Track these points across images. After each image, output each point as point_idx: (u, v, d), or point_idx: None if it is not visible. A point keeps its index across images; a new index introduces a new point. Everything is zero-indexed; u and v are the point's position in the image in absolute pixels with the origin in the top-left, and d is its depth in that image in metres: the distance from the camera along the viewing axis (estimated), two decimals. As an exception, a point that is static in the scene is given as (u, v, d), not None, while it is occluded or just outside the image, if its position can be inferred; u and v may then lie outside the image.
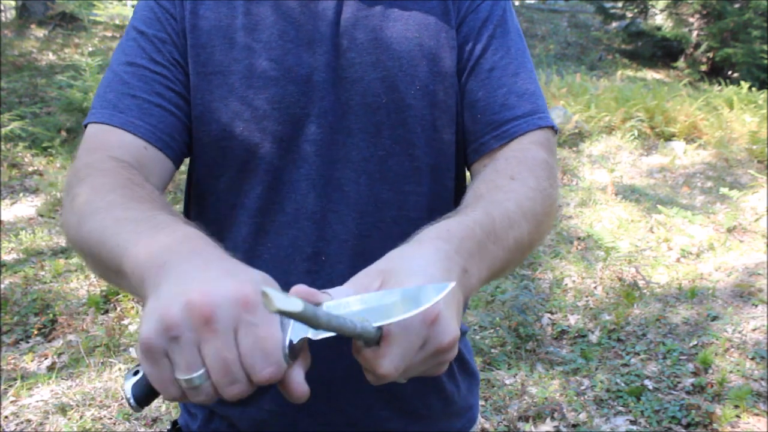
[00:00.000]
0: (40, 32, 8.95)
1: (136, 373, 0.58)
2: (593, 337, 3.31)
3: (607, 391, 2.87)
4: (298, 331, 0.54)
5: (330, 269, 0.87)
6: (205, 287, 0.52)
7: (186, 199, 1.00)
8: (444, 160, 0.92)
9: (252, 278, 0.56)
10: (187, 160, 0.98)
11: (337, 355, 0.87)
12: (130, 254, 0.62)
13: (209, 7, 0.89)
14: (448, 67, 0.90)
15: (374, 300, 0.56)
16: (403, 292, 0.56)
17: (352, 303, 0.57)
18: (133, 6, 9.51)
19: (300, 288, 0.57)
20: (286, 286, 0.86)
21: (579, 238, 4.42)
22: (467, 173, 1.00)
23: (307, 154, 0.87)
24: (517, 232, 0.75)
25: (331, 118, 0.87)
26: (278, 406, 0.91)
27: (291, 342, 0.53)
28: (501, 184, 0.80)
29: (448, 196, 0.95)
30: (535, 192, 0.80)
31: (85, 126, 0.87)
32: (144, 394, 0.58)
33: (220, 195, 0.91)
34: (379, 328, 0.56)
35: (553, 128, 0.92)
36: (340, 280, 0.86)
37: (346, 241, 0.88)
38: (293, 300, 0.46)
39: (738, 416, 2.65)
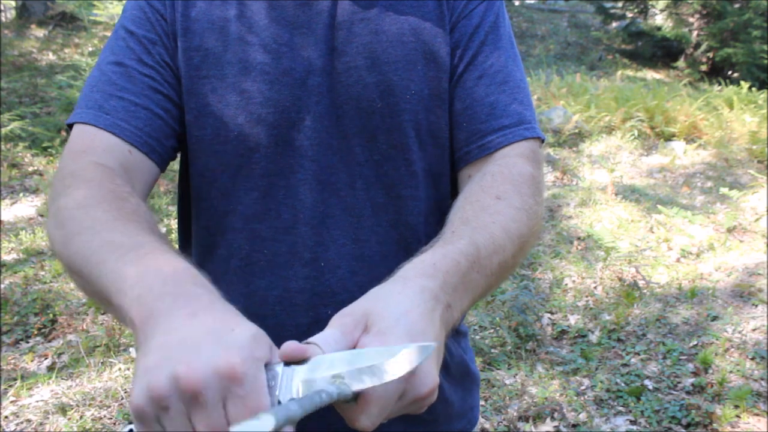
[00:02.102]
0: (40, 32, 8.94)
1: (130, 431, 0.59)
2: (593, 337, 3.31)
3: (607, 391, 2.87)
4: (285, 395, 0.53)
5: (329, 274, 0.86)
6: (191, 358, 0.52)
7: (179, 205, 0.99)
8: (440, 165, 0.92)
9: (240, 343, 0.54)
10: (177, 165, 0.97)
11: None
12: (118, 288, 0.61)
13: (201, 10, 0.88)
14: (444, 72, 0.89)
15: (358, 359, 0.56)
16: (386, 353, 0.56)
17: (337, 362, 0.56)
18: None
19: (289, 346, 0.56)
20: (285, 293, 0.86)
21: (579, 238, 4.42)
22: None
23: (303, 160, 0.86)
24: (502, 256, 0.75)
25: (326, 122, 0.86)
26: None
27: (279, 402, 0.53)
28: (487, 205, 0.79)
29: (443, 201, 0.94)
30: (521, 212, 0.80)
31: (70, 126, 0.85)
32: None
33: (214, 201, 0.90)
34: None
35: (540, 138, 0.91)
36: (339, 285, 0.86)
37: (344, 246, 0.87)
38: (263, 420, 0.46)
39: (738, 416, 2.65)
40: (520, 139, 0.87)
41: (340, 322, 0.61)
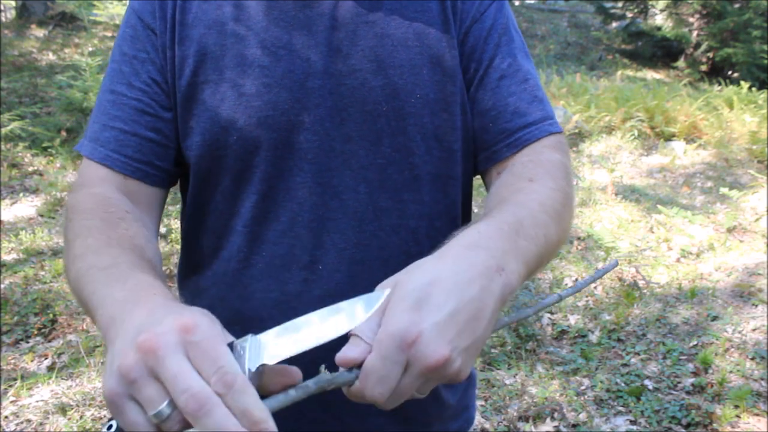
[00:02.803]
0: (40, 32, 8.95)
1: (109, 427, 0.59)
2: (593, 337, 3.31)
3: (607, 391, 2.87)
4: (254, 363, 0.55)
5: (327, 278, 0.86)
6: (148, 327, 0.55)
7: (183, 208, 0.99)
8: (446, 169, 0.92)
9: (192, 311, 0.58)
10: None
11: (333, 365, 0.87)
12: (94, 307, 0.67)
13: (197, 15, 0.88)
14: (449, 75, 0.89)
15: (316, 319, 0.59)
16: (338, 308, 0.60)
17: (302, 325, 0.59)
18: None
19: (342, 357, 0.60)
20: (282, 296, 0.87)
21: (579, 238, 4.42)
22: (473, 180, 1.00)
23: (302, 162, 0.86)
24: (545, 229, 0.75)
25: (327, 125, 0.86)
26: (277, 416, 0.91)
27: (249, 371, 0.54)
28: (522, 187, 0.81)
29: (452, 205, 0.94)
30: (555, 191, 0.82)
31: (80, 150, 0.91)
32: None
33: (217, 205, 0.90)
34: (352, 369, 0.59)
35: (561, 132, 0.94)
36: (337, 289, 0.86)
37: (345, 250, 0.87)
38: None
39: (738, 416, 2.65)
40: (546, 135, 0.90)
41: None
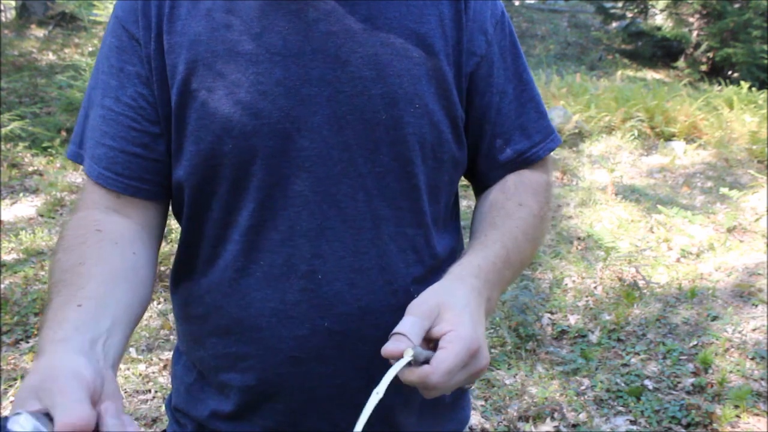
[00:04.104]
0: (40, 32, 8.95)
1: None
2: (593, 337, 3.31)
3: (607, 391, 2.87)
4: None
5: (327, 287, 0.86)
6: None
7: (179, 215, 0.98)
8: (438, 179, 0.92)
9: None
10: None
11: (332, 372, 0.87)
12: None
13: (187, 22, 0.85)
14: (448, 86, 0.89)
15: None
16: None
17: None
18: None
19: (387, 349, 0.71)
20: (281, 305, 0.87)
21: (579, 238, 4.42)
22: (461, 184, 1.03)
23: (300, 171, 0.85)
24: (523, 255, 0.91)
25: (325, 133, 0.84)
26: (274, 422, 0.90)
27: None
28: (511, 212, 0.92)
29: (443, 212, 0.96)
30: (537, 218, 0.94)
31: (74, 158, 0.92)
32: None
33: (213, 213, 0.89)
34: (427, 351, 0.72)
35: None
36: (337, 297, 0.86)
37: (343, 258, 0.86)
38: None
39: (738, 416, 2.65)
40: (549, 153, 0.99)
41: (419, 309, 0.74)
